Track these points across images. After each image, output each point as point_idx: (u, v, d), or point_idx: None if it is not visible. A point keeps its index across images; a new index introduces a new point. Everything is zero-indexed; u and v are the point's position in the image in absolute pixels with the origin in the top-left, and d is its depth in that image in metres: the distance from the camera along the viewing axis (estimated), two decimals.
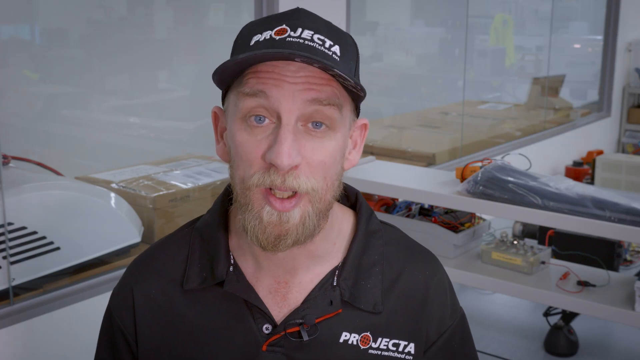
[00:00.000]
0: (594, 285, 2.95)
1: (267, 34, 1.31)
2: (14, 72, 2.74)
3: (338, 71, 1.23)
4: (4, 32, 2.72)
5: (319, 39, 1.30)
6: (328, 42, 1.31)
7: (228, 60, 1.27)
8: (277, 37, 1.29)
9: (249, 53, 1.24)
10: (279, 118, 1.27)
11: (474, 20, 5.47)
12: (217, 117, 1.43)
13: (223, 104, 1.39)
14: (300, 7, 1.37)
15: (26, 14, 2.83)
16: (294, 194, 1.29)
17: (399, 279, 1.46)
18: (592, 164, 5.53)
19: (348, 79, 1.25)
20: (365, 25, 4.68)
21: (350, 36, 1.38)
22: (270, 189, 1.28)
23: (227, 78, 1.32)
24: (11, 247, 2.58)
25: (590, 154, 6.14)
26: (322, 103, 1.28)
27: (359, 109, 1.42)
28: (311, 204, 1.30)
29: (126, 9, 3.23)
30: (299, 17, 1.33)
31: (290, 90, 1.26)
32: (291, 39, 1.28)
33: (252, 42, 1.31)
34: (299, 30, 1.30)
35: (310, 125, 1.29)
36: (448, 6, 5.53)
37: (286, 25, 1.31)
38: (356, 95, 1.35)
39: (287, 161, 1.25)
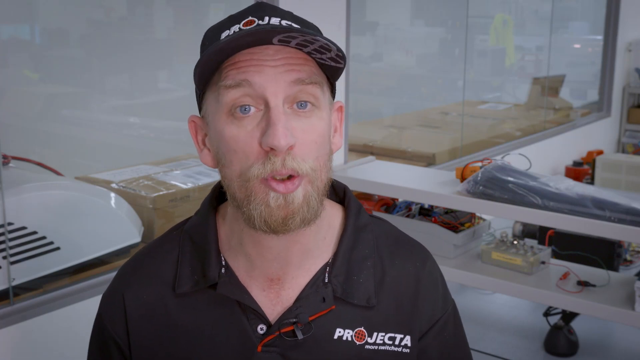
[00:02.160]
0: (594, 285, 2.95)
1: (235, 28, 1.30)
2: (14, 72, 2.74)
3: (321, 39, 1.23)
4: (4, 32, 2.72)
5: (287, 23, 1.29)
6: (296, 27, 1.29)
7: (209, 48, 1.25)
8: (247, 27, 1.28)
9: (227, 40, 1.24)
10: (266, 104, 1.27)
11: (474, 20, 5.47)
12: (196, 126, 1.42)
13: (200, 111, 1.39)
14: (263, 1, 1.38)
15: (26, 14, 2.82)
16: (292, 176, 1.28)
17: (390, 271, 1.46)
18: (592, 164, 5.53)
19: (330, 44, 1.25)
20: (365, 25, 4.68)
21: (315, 25, 1.38)
22: (271, 178, 1.27)
23: (207, 73, 1.31)
24: (11, 247, 2.57)
25: (590, 154, 6.14)
26: (304, 82, 1.28)
27: (335, 91, 1.42)
28: (311, 184, 1.30)
29: (126, 9, 3.23)
30: (264, 9, 1.33)
31: (273, 74, 1.26)
32: (262, 25, 1.27)
33: (222, 36, 1.31)
34: (266, 18, 1.30)
35: (295, 106, 1.29)
36: (448, 6, 5.53)
37: (252, 17, 1.31)
38: (332, 73, 1.36)
39: (284, 141, 1.24)
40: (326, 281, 1.41)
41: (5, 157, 2.68)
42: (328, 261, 1.43)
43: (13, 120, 2.74)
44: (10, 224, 2.58)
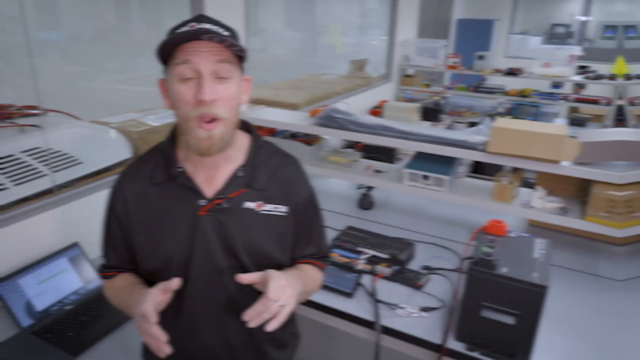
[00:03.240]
0: (382, 172, 3.01)
1: (184, 29, 1.28)
2: (49, 60, 2.59)
3: (231, 40, 1.25)
4: (41, 36, 2.56)
5: (215, 28, 1.29)
6: (221, 30, 1.30)
7: (164, 42, 1.26)
8: (189, 29, 1.27)
9: (176, 35, 1.24)
10: (199, 74, 1.25)
11: (318, 27, 5.41)
12: (162, 84, 1.37)
13: (165, 74, 1.34)
14: (202, 14, 1.38)
15: (55, 24, 2.66)
16: (214, 120, 1.27)
17: (277, 171, 1.45)
18: (382, 107, 5.60)
19: (236, 43, 1.26)
20: (257, 31, 4.56)
21: (234, 29, 1.35)
22: (201, 119, 1.26)
23: (165, 55, 1.28)
24: (52, 163, 2.43)
25: (381, 102, 6.21)
26: (222, 62, 1.26)
27: (243, 69, 1.38)
28: (225, 126, 1.30)
29: (115, 20, 3.07)
30: (202, 18, 1.31)
31: (204, 56, 1.25)
32: (195, 29, 1.27)
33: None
34: (203, 24, 1.28)
35: (218, 77, 1.27)
36: (304, 18, 5.41)
37: (194, 23, 1.29)
38: (242, 59, 1.33)
39: (209, 96, 1.24)
40: (240, 175, 1.41)
41: (45, 110, 2.52)
42: (240, 164, 1.42)
43: (49, 88, 2.58)
44: (50, 149, 2.44)
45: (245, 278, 1.30)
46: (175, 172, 1.40)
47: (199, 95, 1.25)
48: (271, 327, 1.23)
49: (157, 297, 1.28)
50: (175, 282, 1.29)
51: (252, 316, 1.23)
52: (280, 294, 1.25)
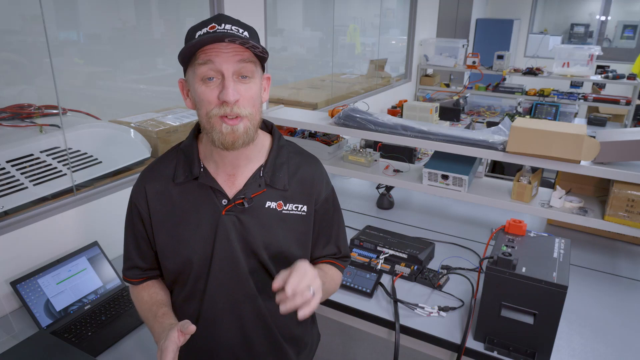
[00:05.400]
0: (401, 171, 2.96)
1: (204, 30, 1.27)
2: (68, 59, 2.54)
3: (252, 42, 1.24)
4: (60, 36, 2.52)
5: (235, 28, 1.28)
6: (241, 30, 1.28)
7: (186, 46, 1.24)
8: (211, 30, 1.26)
9: (199, 39, 1.23)
10: (222, 75, 1.24)
11: (338, 27, 5.39)
12: (183, 84, 1.37)
13: (185, 75, 1.34)
14: (221, 13, 1.37)
15: (74, 24, 2.62)
16: (237, 117, 1.27)
17: (297, 171, 1.44)
18: (401, 107, 5.53)
19: (257, 45, 1.25)
20: (277, 30, 4.53)
21: (253, 28, 1.34)
22: (224, 116, 1.26)
23: (186, 57, 1.27)
24: (72, 162, 2.41)
25: (401, 101, 6.14)
26: (245, 62, 1.25)
27: (264, 68, 1.38)
28: (249, 122, 1.29)
29: (135, 20, 3.05)
30: (221, 18, 1.30)
31: (226, 57, 1.24)
32: (220, 29, 1.26)
33: (197, 35, 1.28)
34: (223, 25, 1.27)
35: (240, 77, 1.27)
36: (324, 18, 5.37)
37: (214, 24, 1.28)
38: (262, 59, 1.32)
39: (233, 97, 1.24)
40: (261, 175, 1.40)
41: (64, 109, 2.49)
42: (262, 164, 1.41)
43: (68, 88, 2.56)
44: (70, 148, 2.42)
45: (278, 283, 1.22)
46: (198, 172, 1.39)
47: (222, 96, 1.24)
48: (303, 313, 1.18)
49: (178, 341, 1.23)
50: (192, 328, 1.24)
51: (283, 299, 1.18)
52: (312, 281, 1.21)
